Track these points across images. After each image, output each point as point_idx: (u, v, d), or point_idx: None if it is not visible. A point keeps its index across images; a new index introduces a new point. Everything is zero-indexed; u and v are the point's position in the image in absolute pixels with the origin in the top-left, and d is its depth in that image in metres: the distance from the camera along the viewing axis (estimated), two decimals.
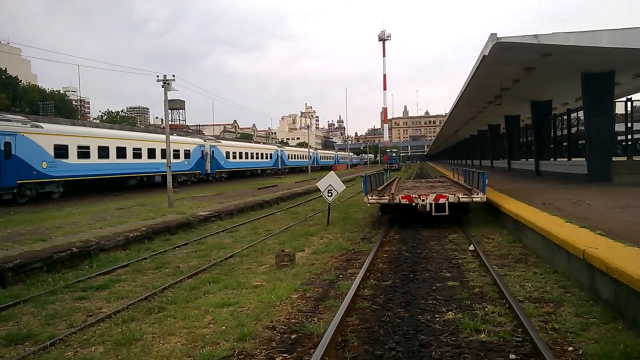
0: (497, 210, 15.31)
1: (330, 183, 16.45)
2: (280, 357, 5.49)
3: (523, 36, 16.30)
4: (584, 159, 21.96)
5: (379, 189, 16.46)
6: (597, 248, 7.15)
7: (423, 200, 14.43)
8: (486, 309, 6.83)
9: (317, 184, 17.33)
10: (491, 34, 16.34)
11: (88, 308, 8.03)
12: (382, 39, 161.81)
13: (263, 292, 8.20)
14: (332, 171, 17.84)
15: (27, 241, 12.38)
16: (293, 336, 6.09)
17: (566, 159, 26.58)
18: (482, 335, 5.81)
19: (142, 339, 6.28)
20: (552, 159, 28.78)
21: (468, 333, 5.92)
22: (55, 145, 29.65)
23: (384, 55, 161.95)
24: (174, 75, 21.90)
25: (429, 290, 7.98)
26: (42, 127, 29.51)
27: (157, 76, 21.67)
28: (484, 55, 17.09)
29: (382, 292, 7.91)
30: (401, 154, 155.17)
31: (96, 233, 13.75)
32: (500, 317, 6.45)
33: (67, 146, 30.72)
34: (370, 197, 15.08)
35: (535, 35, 16.12)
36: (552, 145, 29.52)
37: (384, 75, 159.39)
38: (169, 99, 22.05)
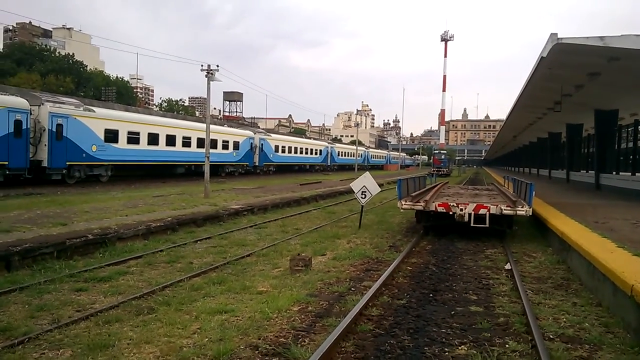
0: (544, 226, 14.01)
1: (365, 184, 15.59)
2: None
3: (587, 37, 14.81)
4: None
5: (414, 194, 15.42)
6: None
7: (461, 210, 13.33)
8: (507, 346, 5.85)
9: (350, 185, 16.52)
10: (551, 34, 14.95)
11: (81, 302, 7.61)
12: (445, 39, 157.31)
13: (264, 301, 7.53)
14: (367, 172, 16.91)
15: (48, 224, 12.27)
16: None
17: (630, 174, 24.51)
18: None
19: (115, 346, 5.73)
20: (614, 173, 26.63)
21: None
22: (105, 129, 30.15)
23: (445, 56, 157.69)
24: (217, 66, 21.67)
25: (447, 315, 7.03)
26: (94, 111, 30.10)
27: (202, 65, 21.48)
28: (542, 57, 15.69)
29: (392, 313, 7.03)
30: (456, 157, 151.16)
31: (120, 220, 13.54)
32: (521, 359, 5.48)
33: (117, 131, 31.19)
34: (404, 203, 14.11)
35: (601, 37, 14.59)
36: (616, 158, 27.34)
37: (444, 77, 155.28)
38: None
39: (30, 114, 25.35)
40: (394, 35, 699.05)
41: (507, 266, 10.30)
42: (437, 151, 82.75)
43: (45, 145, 25.99)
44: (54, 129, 26.48)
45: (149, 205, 17.34)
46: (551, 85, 21.45)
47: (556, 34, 14.92)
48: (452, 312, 7.16)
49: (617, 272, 6.84)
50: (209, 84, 21.74)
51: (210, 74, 21.49)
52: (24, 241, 10.02)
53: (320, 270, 9.74)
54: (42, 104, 26.41)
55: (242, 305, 7.40)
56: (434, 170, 62.54)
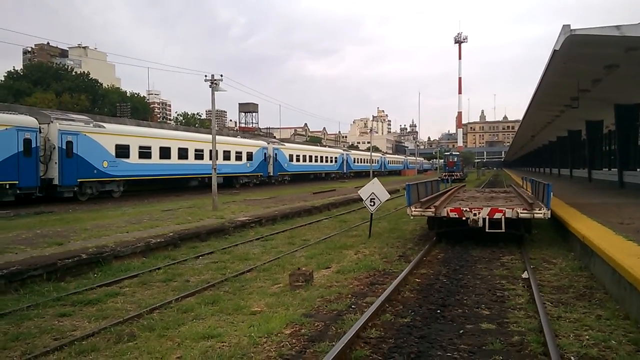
0: (565, 229, 13.18)
1: (373, 191, 14.94)
2: None
3: (602, 27, 14.01)
4: None
5: (424, 199, 14.67)
6: None
7: (475, 215, 12.58)
8: None
9: (358, 192, 15.89)
10: (564, 25, 14.18)
11: (62, 329, 7.11)
12: (458, 41, 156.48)
13: (256, 323, 6.94)
14: (375, 178, 16.28)
15: (43, 244, 11.89)
16: None
17: None
18: None
19: None
20: (638, 170, 25.50)
21: None
22: (116, 144, 30.03)
23: (459, 58, 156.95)
24: (221, 75, 21.33)
25: (454, 335, 6.33)
26: (104, 127, 30.00)
27: (205, 76, 21.14)
28: (555, 51, 14.91)
29: (394, 334, 6.36)
30: (475, 160, 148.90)
31: (119, 237, 13.10)
32: None
33: (128, 146, 31.06)
34: (413, 209, 13.40)
35: (617, 27, 13.77)
36: (639, 154, 26.19)
37: (459, 79, 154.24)
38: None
39: (40, 132, 25.28)
40: (407, 39, 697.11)
41: (524, 275, 9.55)
42: (448, 153, 73.21)
43: (56, 163, 25.88)
44: (64, 146, 26.37)
45: (153, 221, 16.93)
46: (567, 80, 20.56)
47: (569, 25, 14.15)
48: (461, 331, 6.46)
49: None
50: (213, 94, 21.40)
51: (214, 84, 21.14)
52: (12, 263, 9.60)
53: (321, 285, 9.12)
54: (52, 122, 26.34)
55: (232, 328, 6.83)
56: (445, 175, 53.87)
